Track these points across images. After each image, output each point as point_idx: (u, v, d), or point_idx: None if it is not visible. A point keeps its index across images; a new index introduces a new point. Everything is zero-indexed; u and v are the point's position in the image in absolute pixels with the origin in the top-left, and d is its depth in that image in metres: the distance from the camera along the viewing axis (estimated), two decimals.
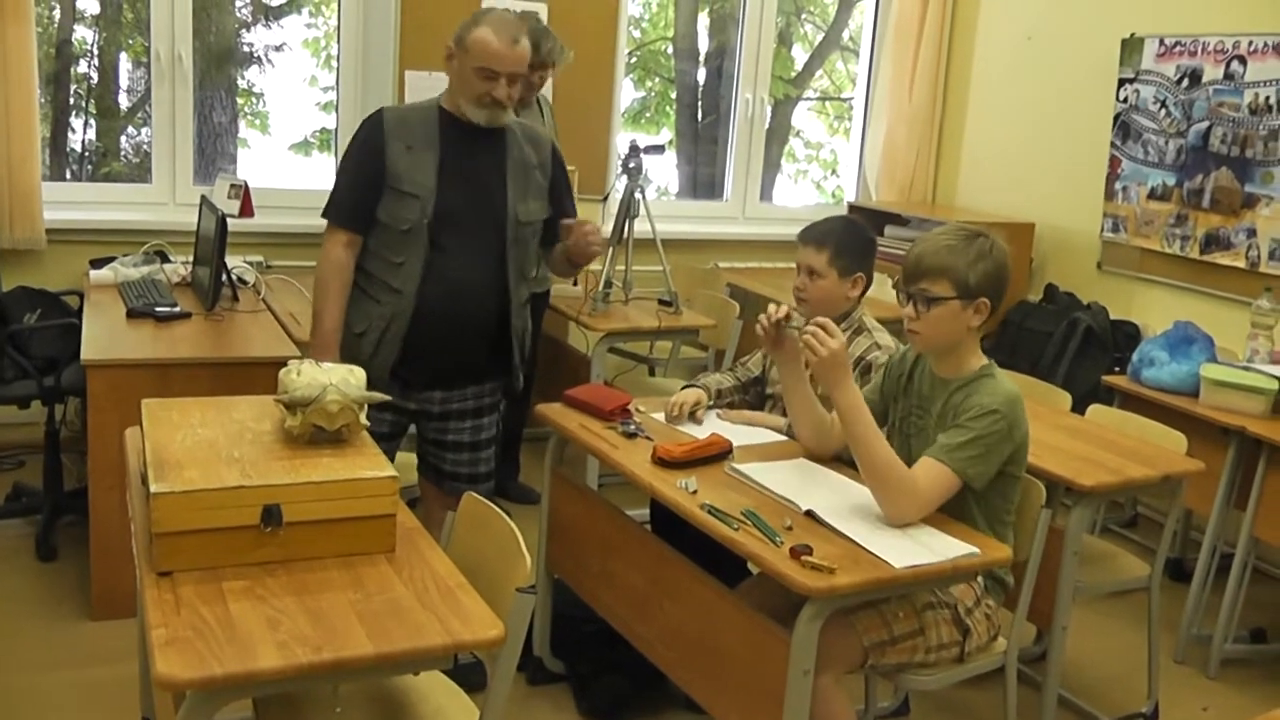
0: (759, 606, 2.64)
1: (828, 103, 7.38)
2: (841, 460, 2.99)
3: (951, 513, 2.70)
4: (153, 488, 2.07)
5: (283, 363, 2.50)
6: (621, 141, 5.71)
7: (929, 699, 3.50)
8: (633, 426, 3.11)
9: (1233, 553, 4.06)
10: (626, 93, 6.49)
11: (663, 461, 2.86)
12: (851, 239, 3.30)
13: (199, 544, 2.09)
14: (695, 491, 2.71)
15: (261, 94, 6.06)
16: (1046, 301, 5.68)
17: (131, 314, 3.97)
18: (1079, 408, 3.99)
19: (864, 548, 2.47)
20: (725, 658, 2.67)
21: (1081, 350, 5.20)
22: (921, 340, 2.80)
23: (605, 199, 5.51)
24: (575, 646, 3.46)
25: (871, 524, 2.59)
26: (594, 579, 3.21)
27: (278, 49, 5.88)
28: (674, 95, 7.10)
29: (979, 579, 2.81)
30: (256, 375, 3.38)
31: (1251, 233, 5.04)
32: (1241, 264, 5.07)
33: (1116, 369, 4.52)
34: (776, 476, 2.82)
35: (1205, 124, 5.19)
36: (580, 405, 3.24)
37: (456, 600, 2.07)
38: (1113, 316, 5.41)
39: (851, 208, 6.45)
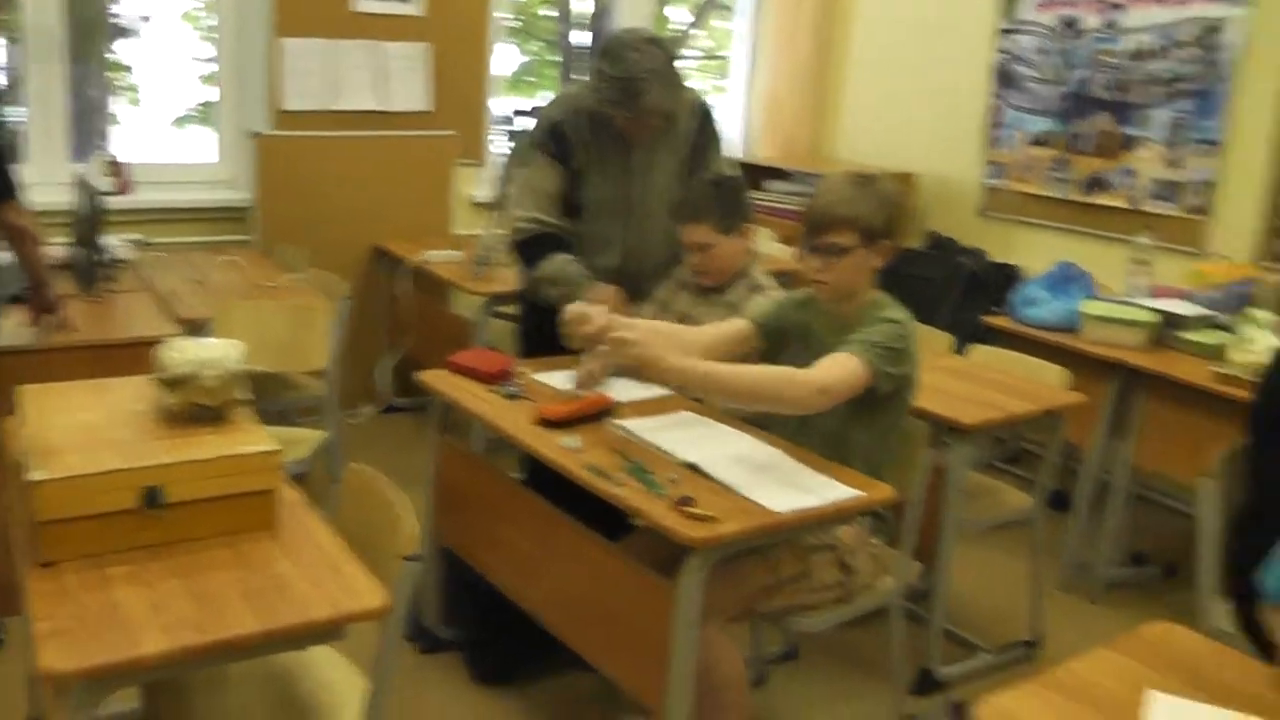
0: (645, 560, 2.67)
1: (710, 61, 7.39)
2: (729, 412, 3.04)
3: (833, 455, 2.76)
4: (32, 475, 2.05)
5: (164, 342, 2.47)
6: (502, 106, 5.70)
7: (817, 641, 3.57)
8: (514, 388, 3.12)
9: (1113, 482, 4.21)
10: (510, 57, 6.44)
11: (546, 422, 2.88)
12: (723, 197, 3.34)
13: (82, 531, 2.07)
14: (579, 450, 2.73)
15: (130, 68, 5.92)
16: (930, 248, 5.79)
17: (7, 299, 3.88)
18: (964, 350, 4.09)
19: (746, 496, 2.52)
20: (612, 614, 2.71)
21: (965, 294, 5.32)
22: (830, 290, 2.85)
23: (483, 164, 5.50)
24: (466, 614, 3.47)
25: (754, 472, 2.63)
26: (482, 545, 3.22)
27: (145, 20, 5.74)
28: (556, 59, 7.06)
29: (863, 519, 2.87)
30: (140, 356, 3.30)
31: (1131, 173, 5.19)
32: (1122, 204, 5.22)
33: (999, 311, 4.63)
34: (660, 431, 2.85)
35: (1086, 71, 5.32)
36: (463, 370, 3.24)
37: (341, 572, 2.08)
38: (995, 260, 5.55)
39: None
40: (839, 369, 2.68)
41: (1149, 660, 1.99)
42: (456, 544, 3.35)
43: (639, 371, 2.70)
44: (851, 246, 2.76)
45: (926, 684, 3.42)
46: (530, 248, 3.66)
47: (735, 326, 3.02)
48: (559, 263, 3.58)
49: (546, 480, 2.80)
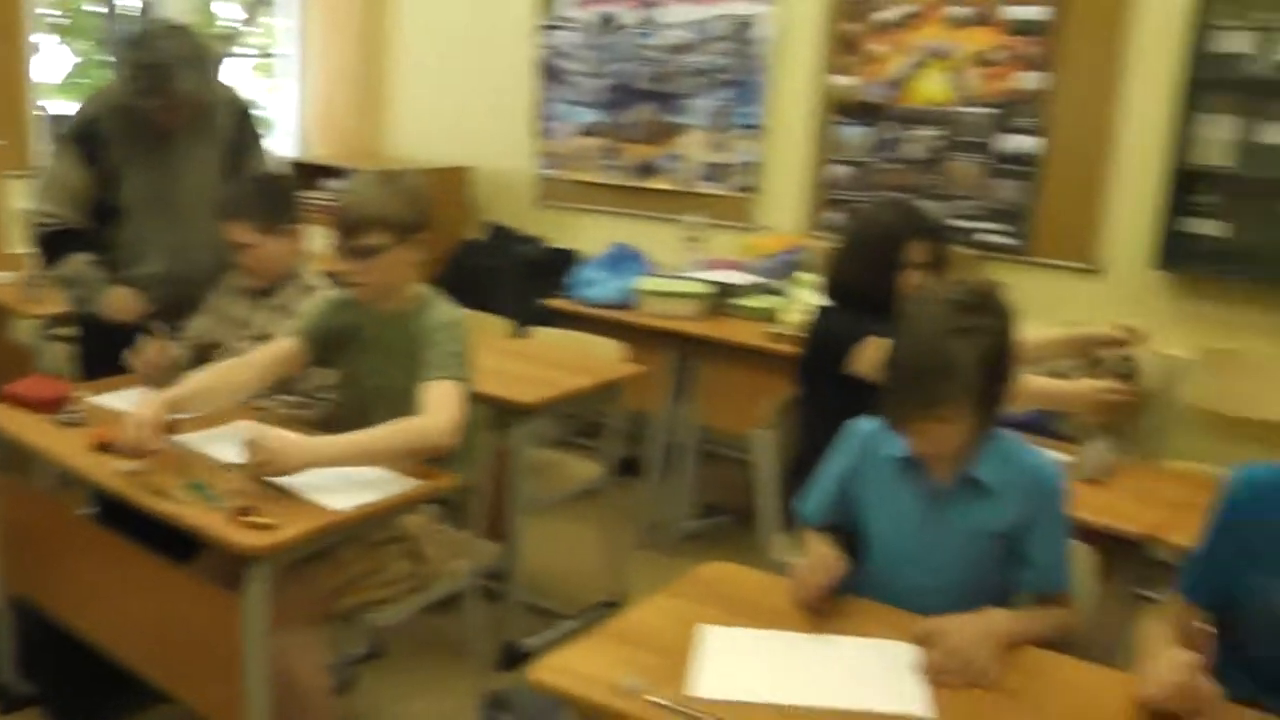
0: (217, 577, 2.55)
1: (265, 59, 7.17)
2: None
3: None
4: None
5: None
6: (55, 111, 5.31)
7: (404, 635, 3.53)
8: (73, 415, 2.91)
9: (682, 442, 4.43)
10: (62, 59, 6.01)
11: (106, 447, 2.69)
12: (264, 195, 3.25)
13: None
14: (141, 472, 2.56)
15: None
16: (490, 239, 5.88)
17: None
18: (525, 334, 4.18)
19: (307, 499, 2.46)
20: (182, 636, 2.58)
21: (526, 281, 5.43)
22: (370, 290, 2.82)
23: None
24: (47, 664, 3.21)
25: (316, 474, 2.56)
26: (55, 587, 2.98)
27: None
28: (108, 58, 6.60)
29: (430, 507, 2.87)
30: None
31: (678, 158, 5.48)
32: (673, 187, 5.50)
33: (560, 294, 4.77)
34: (219, 442, 2.75)
35: (627, 64, 5.56)
36: (18, 401, 3.00)
37: None
38: (554, 246, 5.72)
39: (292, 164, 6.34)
40: (448, 400, 2.69)
41: (703, 598, 2.12)
42: (30, 590, 3.08)
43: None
44: (385, 245, 2.74)
45: (512, 658, 3.48)
46: (52, 245, 3.45)
47: (281, 348, 2.93)
48: (77, 264, 3.40)
49: (119, 510, 2.62)
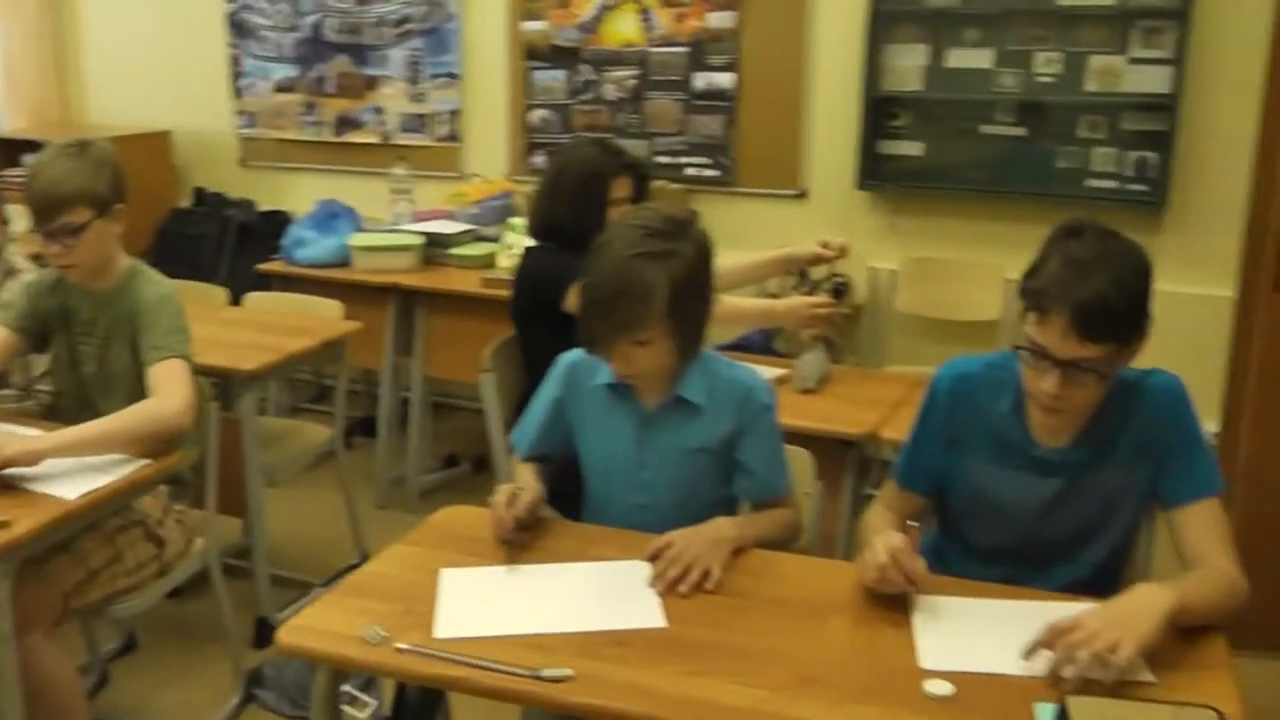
0: None
1: None
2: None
3: None
4: None
5: None
6: None
7: (154, 623, 3.45)
8: None
9: (412, 397, 4.47)
10: None
11: None
12: None
13: None
14: None
15: None
16: (197, 205, 5.70)
17: None
18: (241, 301, 4.09)
19: (36, 491, 2.40)
20: None
21: (239, 246, 5.31)
22: (79, 271, 2.72)
23: None
24: None
25: (41, 465, 2.47)
26: None
27: None
28: None
29: (163, 488, 2.82)
30: None
31: (379, 110, 5.43)
32: (375, 140, 5.46)
33: (274, 257, 4.69)
34: None
35: (317, 16, 5.46)
36: None
37: None
38: (263, 208, 5.58)
39: None
40: (177, 379, 2.65)
41: (439, 544, 2.19)
42: None
43: None
44: (86, 222, 2.63)
45: (265, 634, 3.44)
46: None
47: None
48: None
49: None
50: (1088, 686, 1.66)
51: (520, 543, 2.13)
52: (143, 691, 3.27)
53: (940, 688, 1.68)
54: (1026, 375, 1.98)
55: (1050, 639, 1.72)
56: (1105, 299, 1.83)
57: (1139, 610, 1.74)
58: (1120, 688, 1.66)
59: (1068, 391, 1.92)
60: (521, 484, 2.20)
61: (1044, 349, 1.90)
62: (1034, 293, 1.90)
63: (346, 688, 2.13)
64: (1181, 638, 1.79)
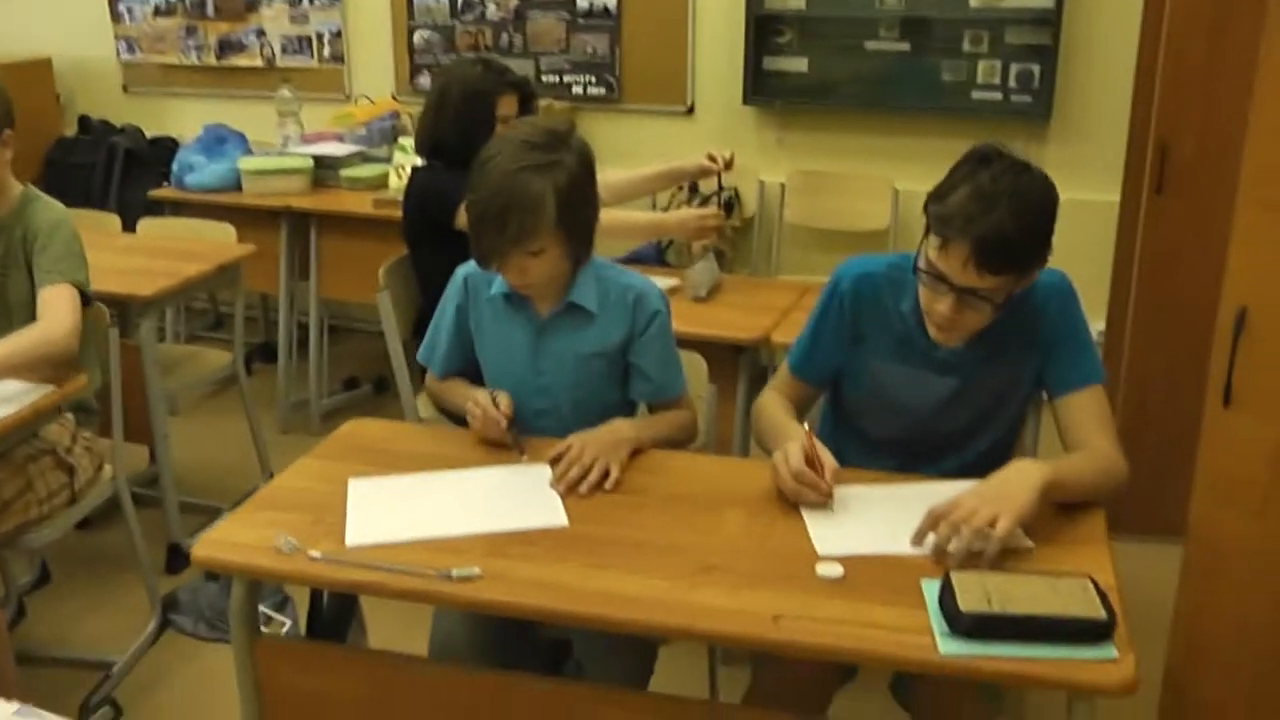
0: None
1: None
2: None
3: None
4: None
5: None
6: None
7: (66, 554, 3.47)
8: None
9: (310, 321, 4.48)
10: None
11: None
12: None
13: None
14: None
15: None
16: (82, 134, 5.59)
17: None
18: (136, 228, 4.06)
19: None
20: None
21: (127, 173, 5.23)
22: None
23: None
24: None
25: None
26: None
27: None
28: None
29: (69, 416, 2.83)
30: None
31: (261, 33, 5.36)
32: (258, 63, 5.39)
33: (165, 184, 4.64)
34: None
35: None
36: None
37: None
38: (150, 135, 5.49)
39: None
40: (62, 303, 2.66)
41: (346, 456, 2.24)
42: None
43: None
44: None
45: (177, 560, 3.48)
46: None
47: None
48: None
49: None
50: (971, 561, 1.77)
51: (517, 436, 2.20)
52: (60, 623, 3.28)
53: (831, 570, 1.78)
54: (923, 294, 2.05)
55: (933, 521, 1.83)
56: (1007, 234, 1.88)
57: (1014, 485, 1.85)
58: (1001, 559, 1.78)
59: (961, 315, 1.99)
60: (482, 401, 2.22)
61: (942, 274, 1.96)
62: (938, 218, 1.95)
63: (262, 608, 2.17)
64: (1062, 514, 1.92)
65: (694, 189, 4.42)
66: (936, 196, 1.97)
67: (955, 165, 1.99)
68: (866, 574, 1.78)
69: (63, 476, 2.77)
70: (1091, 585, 1.66)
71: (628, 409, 2.37)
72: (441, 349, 2.42)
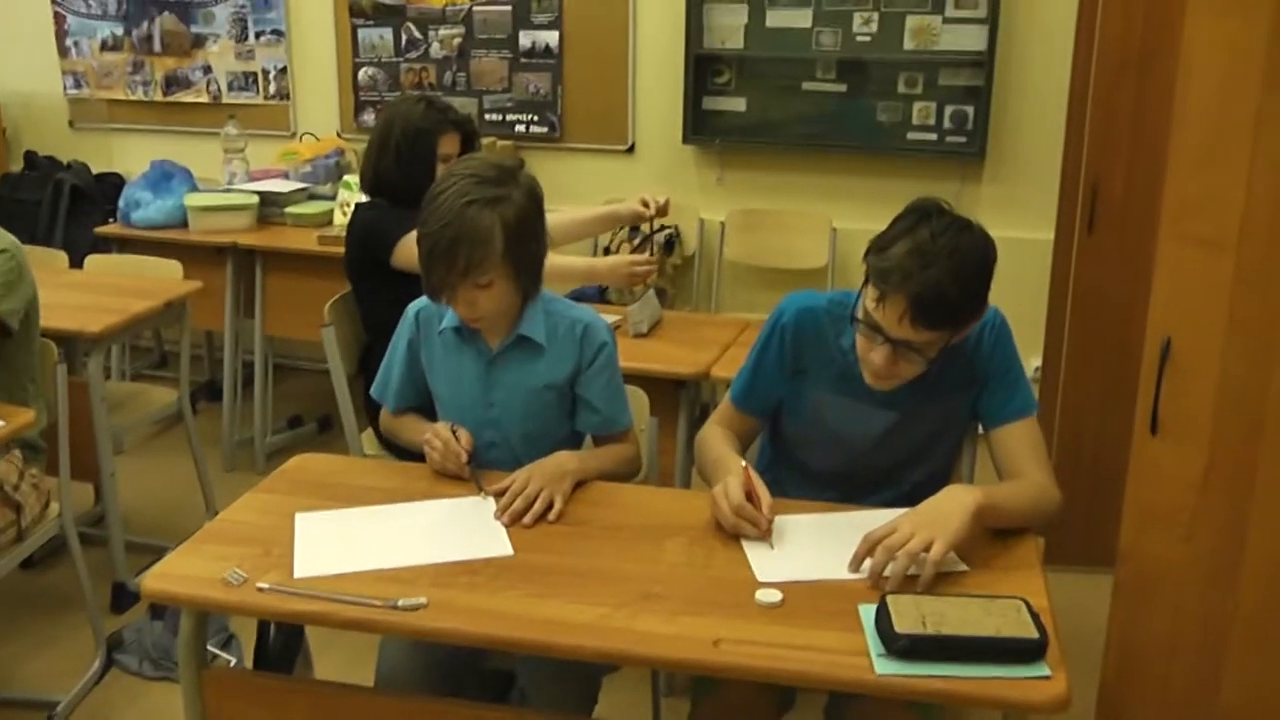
0: None
1: None
2: None
3: None
4: None
5: None
6: None
7: (9, 593, 3.44)
8: None
9: (255, 359, 4.47)
10: None
11: None
12: None
13: None
14: None
15: None
16: (28, 170, 5.55)
17: None
18: (83, 264, 4.06)
19: None
20: None
21: (73, 210, 5.21)
22: None
23: None
24: None
25: None
26: None
27: None
28: None
29: (16, 451, 2.82)
30: None
31: (208, 69, 5.38)
32: (205, 99, 5.40)
33: (112, 220, 4.64)
34: None
35: None
36: None
37: None
38: (96, 171, 5.47)
39: None
40: None
41: (293, 490, 2.25)
42: None
43: None
44: None
45: (123, 599, 3.46)
46: None
47: None
48: None
49: None
50: (907, 585, 1.82)
51: (475, 471, 2.23)
52: (3, 662, 3.24)
53: (770, 596, 1.82)
54: (859, 342, 2.10)
55: (869, 547, 1.88)
56: (944, 291, 1.93)
57: (947, 510, 1.90)
58: (937, 583, 1.83)
59: (896, 365, 2.05)
60: (442, 435, 2.25)
61: (879, 325, 2.01)
62: (877, 271, 1.99)
63: (208, 647, 2.18)
64: (998, 541, 1.98)
65: (634, 228, 4.49)
66: (877, 249, 2.01)
67: (896, 218, 2.04)
68: (805, 599, 1.82)
69: (9, 514, 2.76)
70: (1025, 607, 1.72)
71: (576, 442, 2.41)
72: (394, 384, 2.45)
